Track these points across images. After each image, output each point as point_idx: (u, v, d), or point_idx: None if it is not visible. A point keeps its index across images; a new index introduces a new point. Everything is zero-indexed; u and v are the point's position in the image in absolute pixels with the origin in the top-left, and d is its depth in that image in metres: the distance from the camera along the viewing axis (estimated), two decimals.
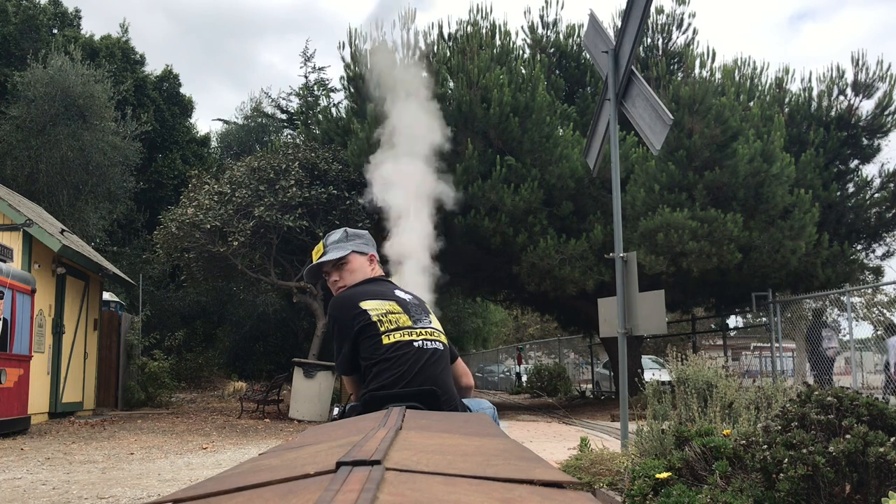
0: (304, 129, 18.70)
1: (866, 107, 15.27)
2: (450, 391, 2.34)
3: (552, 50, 16.11)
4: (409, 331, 2.36)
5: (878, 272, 16.40)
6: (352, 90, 15.01)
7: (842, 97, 15.37)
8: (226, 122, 32.61)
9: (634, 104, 5.54)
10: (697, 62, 13.98)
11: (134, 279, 18.27)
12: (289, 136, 25.46)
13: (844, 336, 12.54)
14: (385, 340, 2.34)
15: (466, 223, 13.51)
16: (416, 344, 2.34)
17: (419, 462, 0.91)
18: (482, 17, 14.47)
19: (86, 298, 14.64)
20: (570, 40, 16.05)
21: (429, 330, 2.39)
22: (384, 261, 7.78)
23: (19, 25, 22.77)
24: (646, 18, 5.55)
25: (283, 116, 30.00)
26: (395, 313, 2.39)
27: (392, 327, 2.36)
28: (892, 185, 15.56)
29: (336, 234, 2.67)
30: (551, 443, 8.94)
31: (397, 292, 2.49)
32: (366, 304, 2.40)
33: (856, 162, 15.89)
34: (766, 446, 3.40)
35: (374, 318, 2.37)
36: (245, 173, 14.33)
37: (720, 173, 12.81)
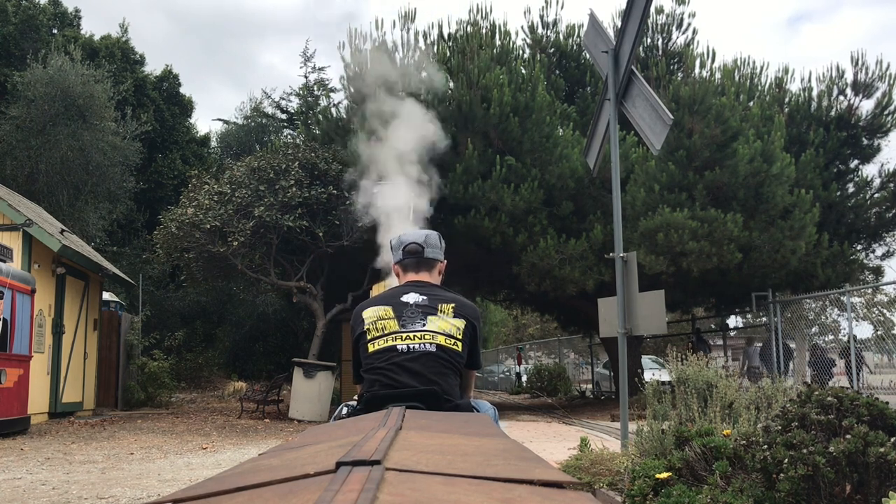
0: (304, 129, 18.70)
1: (866, 107, 15.27)
2: (448, 392, 2.32)
3: (552, 50, 16.11)
4: (393, 336, 2.36)
5: (878, 272, 16.39)
6: (352, 90, 15.00)
7: (842, 97, 15.37)
8: (226, 122, 32.64)
9: (634, 104, 5.54)
10: (697, 62, 13.98)
11: (134, 279, 18.27)
12: (289, 136, 25.48)
13: (843, 336, 12.63)
14: (371, 348, 2.37)
15: (466, 223, 13.51)
16: (399, 348, 2.33)
17: (419, 462, 0.91)
18: (482, 17, 14.48)
19: (86, 298, 14.64)
20: (570, 40, 16.05)
21: (419, 333, 2.35)
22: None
23: (19, 25, 22.76)
24: (646, 18, 5.55)
25: (283, 116, 30.02)
26: (385, 319, 2.40)
27: (378, 334, 2.37)
28: (892, 185, 15.55)
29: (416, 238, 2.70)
30: (551, 443, 8.93)
31: (405, 296, 2.46)
32: (366, 313, 2.44)
33: (856, 162, 15.89)
34: (766, 446, 3.40)
35: (367, 327, 2.41)
36: (245, 173, 14.33)
37: (720, 173, 12.81)
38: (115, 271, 15.79)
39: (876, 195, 15.66)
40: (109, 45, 25.88)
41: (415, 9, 19.64)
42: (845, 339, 13.76)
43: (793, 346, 14.50)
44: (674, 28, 15.22)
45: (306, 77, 29.50)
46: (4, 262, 10.27)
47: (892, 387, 13.59)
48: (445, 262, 2.68)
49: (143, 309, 19.04)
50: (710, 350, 17.48)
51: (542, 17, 16.07)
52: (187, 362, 21.05)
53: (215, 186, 14.46)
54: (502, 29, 14.64)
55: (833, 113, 15.32)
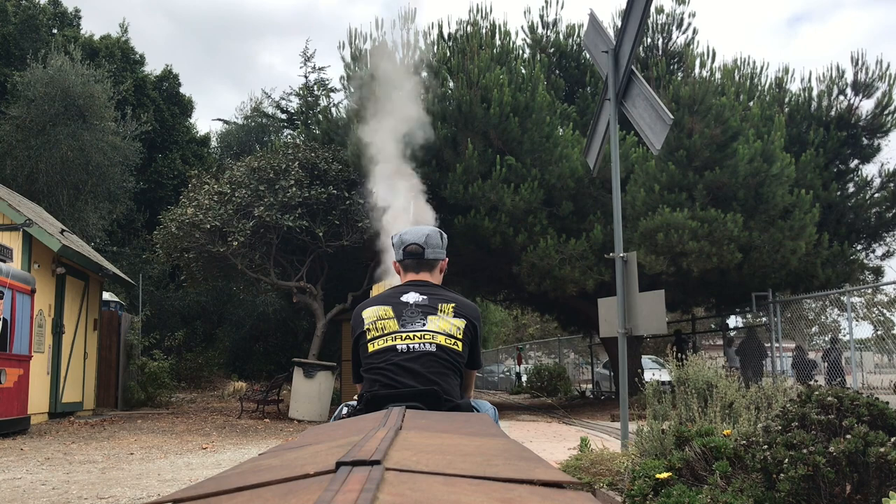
0: (304, 129, 18.71)
1: (866, 106, 15.27)
2: (449, 392, 2.32)
3: (552, 50, 16.11)
4: (393, 336, 2.35)
5: (878, 272, 16.39)
6: (352, 90, 15.01)
7: (841, 97, 15.37)
8: (226, 122, 32.69)
9: (634, 104, 5.53)
10: (697, 62, 13.98)
11: (134, 279, 18.27)
12: (289, 136, 25.48)
13: (845, 336, 12.68)
14: (370, 348, 2.37)
15: (466, 223, 13.51)
16: (398, 348, 2.33)
17: (419, 462, 0.91)
18: (482, 17, 14.48)
19: (86, 298, 14.64)
20: (570, 40, 16.05)
21: (419, 333, 2.35)
22: None
23: (19, 25, 22.77)
24: (646, 18, 5.55)
25: (283, 116, 30.03)
26: (384, 319, 2.39)
27: (378, 334, 2.37)
28: (892, 185, 15.55)
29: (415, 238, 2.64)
30: (551, 443, 8.93)
31: (405, 296, 2.45)
32: (366, 313, 2.44)
33: (856, 162, 15.89)
34: (766, 446, 3.40)
35: (367, 326, 2.40)
36: (245, 173, 14.33)
37: (720, 173, 12.82)
38: (115, 271, 15.78)
39: (876, 195, 15.66)
40: (109, 45, 25.89)
41: (415, 9, 19.65)
42: (827, 339, 13.91)
43: (769, 346, 14.74)
44: (674, 28, 15.23)
45: (306, 77, 29.54)
46: (4, 262, 10.26)
47: (893, 387, 13.58)
48: (447, 259, 2.67)
49: (143, 309, 19.04)
50: (686, 350, 17.92)
51: (542, 17, 16.09)
52: (187, 362, 21.05)
53: (215, 186, 14.46)
54: (502, 29, 14.64)
55: (833, 113, 15.32)
